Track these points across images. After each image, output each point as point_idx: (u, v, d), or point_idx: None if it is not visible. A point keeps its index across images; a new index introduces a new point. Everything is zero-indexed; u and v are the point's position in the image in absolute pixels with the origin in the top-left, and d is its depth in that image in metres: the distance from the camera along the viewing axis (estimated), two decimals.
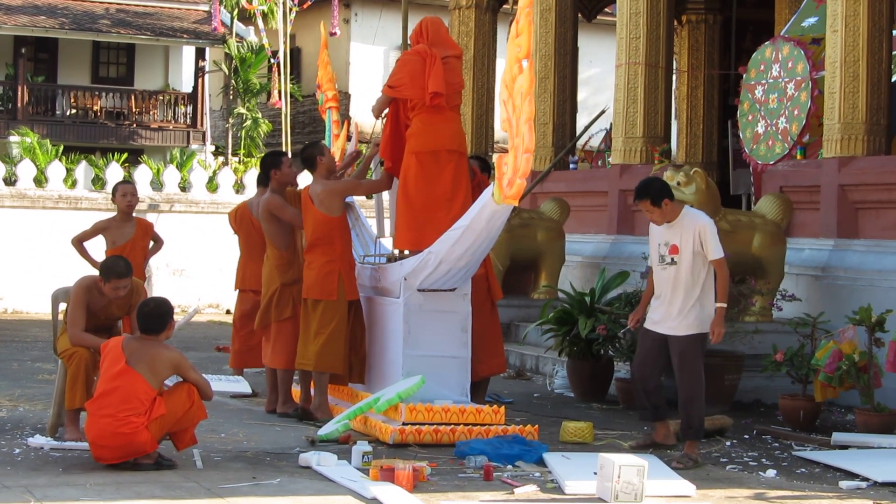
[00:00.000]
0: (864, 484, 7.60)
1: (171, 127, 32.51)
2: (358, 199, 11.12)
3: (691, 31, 17.44)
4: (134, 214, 11.24)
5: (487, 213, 8.27)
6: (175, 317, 7.90)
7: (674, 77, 16.32)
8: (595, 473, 7.15)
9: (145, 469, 7.32)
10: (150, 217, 18.28)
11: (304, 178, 12.07)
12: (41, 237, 18.74)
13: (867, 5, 11.28)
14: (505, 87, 7.71)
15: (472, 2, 17.11)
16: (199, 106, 32.68)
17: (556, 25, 15.73)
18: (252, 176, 20.86)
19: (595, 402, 10.73)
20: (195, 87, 32.85)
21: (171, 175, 20.62)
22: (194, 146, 31.76)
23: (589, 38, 22.84)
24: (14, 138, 28.46)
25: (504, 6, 17.58)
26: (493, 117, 17.15)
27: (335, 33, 28.18)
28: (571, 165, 16.22)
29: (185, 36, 32.16)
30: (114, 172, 20.10)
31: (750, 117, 12.55)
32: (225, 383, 10.70)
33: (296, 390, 9.79)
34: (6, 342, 14.60)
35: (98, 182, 20.93)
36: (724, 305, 8.21)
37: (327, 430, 8.58)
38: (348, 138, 11.24)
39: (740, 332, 10.30)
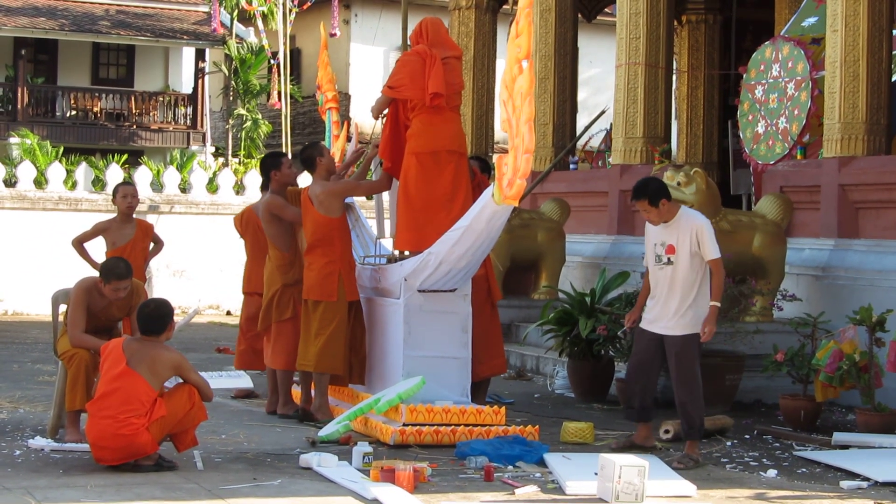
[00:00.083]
0: (864, 484, 7.60)
1: (171, 128, 32.51)
2: (358, 200, 11.12)
3: (691, 32, 17.44)
4: (134, 216, 11.23)
5: (487, 213, 8.27)
6: (175, 318, 7.90)
7: (674, 77, 16.32)
8: (596, 474, 7.15)
9: (146, 470, 7.32)
10: (151, 218, 18.32)
11: (304, 179, 12.06)
12: (41, 239, 18.75)
13: (867, 5, 11.28)
14: (505, 88, 7.71)
15: (471, 2, 17.11)
16: (199, 107, 32.68)
17: (556, 26, 15.73)
18: (252, 177, 20.88)
19: (596, 403, 10.73)
20: (195, 89, 32.85)
21: (172, 176, 20.62)
22: (194, 147, 31.76)
23: (589, 38, 22.85)
24: (14, 140, 28.46)
25: (504, 7, 17.58)
26: (493, 118, 17.15)
27: (335, 34, 28.19)
28: (572, 166, 16.22)
29: (185, 37, 32.16)
30: (114, 174, 20.11)
31: (750, 117, 12.54)
32: (226, 379, 10.70)
33: (296, 391, 9.79)
34: (6, 344, 14.60)
35: (98, 183, 20.94)
36: (718, 304, 8.22)
37: (328, 431, 8.58)
38: (348, 139, 11.24)
39: (741, 332, 10.31)
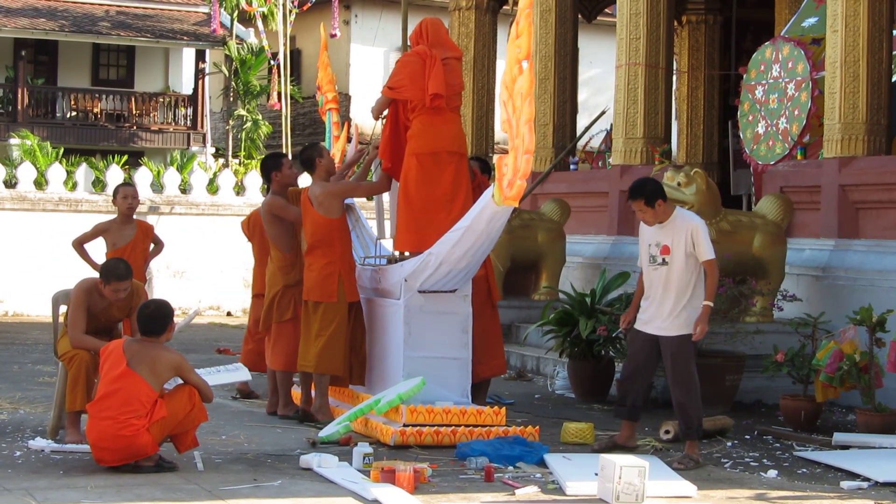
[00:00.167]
0: (865, 484, 7.60)
1: (171, 129, 32.52)
2: (358, 201, 11.12)
3: (691, 32, 17.44)
4: (134, 217, 11.23)
5: (488, 214, 8.27)
6: (175, 319, 7.91)
7: (674, 78, 16.31)
8: (596, 474, 7.15)
9: (146, 471, 7.32)
10: (151, 219, 18.32)
11: (304, 180, 12.06)
12: (41, 239, 18.74)
13: (867, 5, 11.28)
14: (505, 89, 7.71)
15: (472, 3, 17.11)
16: (200, 108, 32.68)
17: (557, 26, 15.73)
18: (252, 178, 20.88)
19: (596, 403, 10.72)
20: (195, 89, 32.86)
21: (172, 177, 20.61)
22: (194, 148, 31.77)
23: (589, 38, 22.84)
24: (14, 141, 28.47)
25: (504, 7, 17.58)
26: (494, 118, 17.15)
27: (335, 35, 28.19)
28: (572, 166, 16.22)
29: (185, 38, 32.17)
30: (114, 175, 20.10)
31: (750, 118, 12.54)
32: (224, 374, 10.64)
33: (296, 392, 9.79)
34: (7, 345, 14.60)
35: (98, 184, 20.94)
36: (711, 304, 8.22)
37: (328, 431, 8.58)
38: (348, 140, 11.24)
39: (741, 333, 10.31)
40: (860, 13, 11.29)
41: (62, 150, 25.93)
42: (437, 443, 8.40)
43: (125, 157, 26.37)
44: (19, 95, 31.17)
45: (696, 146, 17.30)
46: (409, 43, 9.97)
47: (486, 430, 8.47)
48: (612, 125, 15.43)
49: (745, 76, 12.71)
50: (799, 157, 12.15)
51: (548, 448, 8.17)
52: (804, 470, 8.08)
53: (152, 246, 11.35)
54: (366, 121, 21.79)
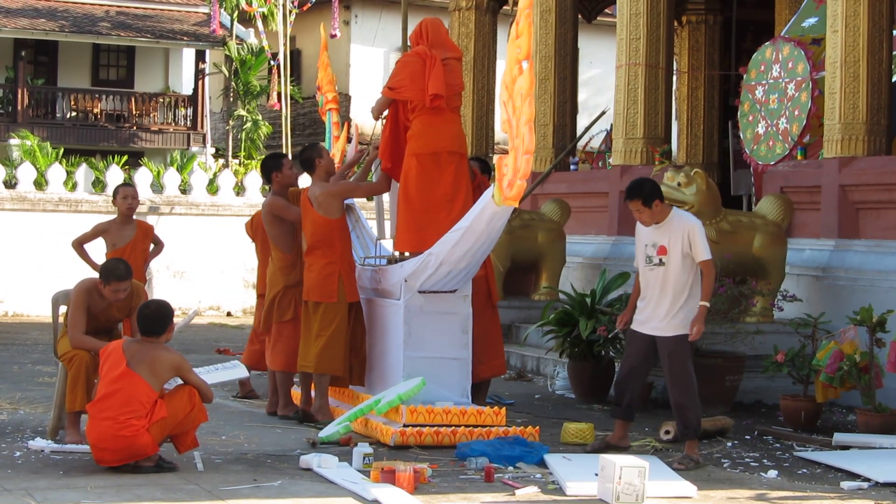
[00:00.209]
0: (865, 484, 7.60)
1: (171, 129, 32.51)
2: (358, 201, 11.12)
3: (691, 32, 17.44)
4: (134, 217, 11.23)
5: (488, 214, 8.26)
6: (174, 319, 7.90)
7: (674, 78, 16.31)
8: (596, 475, 7.15)
9: (146, 471, 7.32)
10: (151, 219, 18.31)
11: (305, 180, 12.06)
12: (41, 240, 18.73)
13: (867, 5, 11.28)
14: (505, 89, 7.71)
15: (472, 3, 17.11)
16: (200, 108, 32.68)
17: (557, 26, 15.73)
18: (252, 178, 20.88)
19: (596, 404, 10.72)
20: (195, 90, 32.86)
21: (172, 177, 20.61)
22: (194, 148, 31.77)
23: (589, 39, 22.85)
24: (14, 141, 28.47)
25: (504, 7, 17.58)
26: (494, 119, 17.15)
27: (335, 35, 28.19)
28: (572, 167, 16.21)
29: (185, 38, 32.17)
30: (114, 175, 20.10)
31: (750, 118, 12.54)
32: (221, 372, 10.63)
33: (296, 392, 9.78)
34: (7, 345, 14.60)
35: (98, 185, 20.94)
36: (707, 305, 8.22)
37: (328, 432, 8.58)
38: (348, 140, 11.24)
39: (741, 333, 10.30)
40: (860, 13, 11.29)
41: (62, 151, 25.93)
42: (438, 443, 8.40)
43: (125, 158, 26.37)
44: (19, 96, 31.17)
45: (697, 146, 17.30)
46: (409, 43, 9.97)
47: (486, 430, 8.47)
48: (612, 125, 15.43)
49: (745, 76, 12.70)
50: (799, 157, 12.15)
51: (548, 448, 8.16)
52: (804, 470, 8.08)
53: (152, 246, 11.34)
54: (366, 121, 21.76)
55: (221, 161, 30.23)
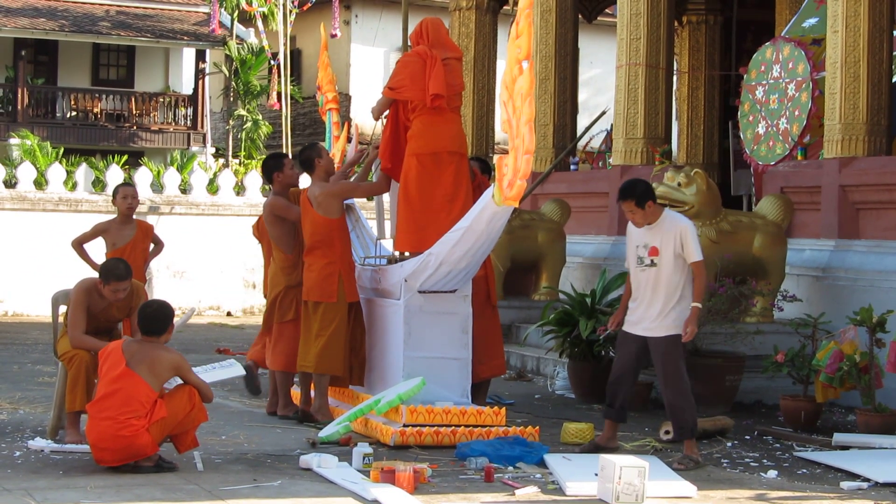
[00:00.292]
0: (865, 484, 7.60)
1: (171, 129, 32.52)
2: (358, 201, 11.11)
3: (692, 32, 17.44)
4: (134, 217, 11.22)
5: (488, 214, 8.26)
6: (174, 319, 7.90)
7: (674, 78, 16.31)
8: (596, 475, 7.15)
9: (146, 471, 7.32)
10: (151, 219, 18.30)
11: (306, 180, 12.06)
12: (41, 239, 18.73)
13: (868, 6, 11.27)
14: (505, 89, 7.71)
15: (472, 3, 17.11)
16: (200, 108, 32.68)
17: (557, 26, 15.73)
18: (252, 178, 20.89)
19: (596, 404, 10.70)
20: (195, 89, 32.86)
21: (172, 177, 20.61)
22: (195, 148, 31.77)
23: (589, 39, 22.85)
24: (14, 141, 28.47)
25: (504, 7, 17.58)
26: (494, 119, 17.15)
27: (335, 35, 28.18)
28: (572, 167, 16.21)
29: (185, 38, 32.17)
30: (114, 175, 20.10)
31: (751, 118, 12.54)
32: (219, 370, 10.62)
33: (296, 392, 9.78)
34: (7, 345, 14.60)
35: (98, 184, 20.94)
36: (699, 306, 8.22)
37: (328, 431, 8.57)
38: (349, 140, 11.24)
39: (741, 333, 10.31)
40: (861, 13, 11.29)
41: (62, 150, 25.93)
42: (437, 443, 8.39)
43: (125, 157, 26.37)
44: (19, 95, 31.17)
45: (697, 146, 17.30)
46: (409, 43, 9.97)
47: (486, 430, 8.47)
48: (612, 125, 15.43)
49: (745, 77, 12.70)
50: (799, 157, 12.14)
51: (548, 448, 8.16)
52: (804, 470, 8.08)
53: (152, 246, 11.34)
54: (366, 121, 21.74)
55: (221, 161, 30.24)
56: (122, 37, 31.66)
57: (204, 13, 32.53)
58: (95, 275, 8.56)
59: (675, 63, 16.56)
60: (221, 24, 30.21)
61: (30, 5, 31.74)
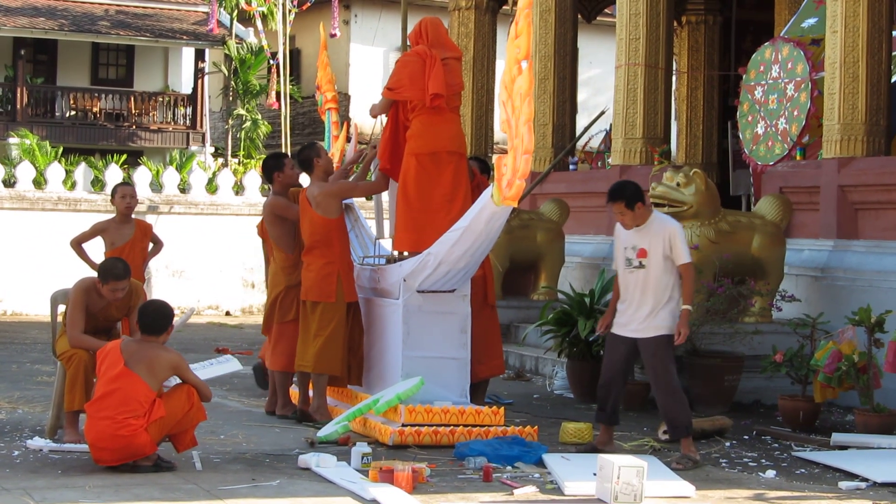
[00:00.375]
0: (863, 484, 7.60)
1: (170, 128, 32.51)
2: (357, 201, 11.12)
3: (691, 32, 17.44)
4: (133, 216, 11.22)
5: (487, 214, 8.26)
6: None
7: (673, 78, 16.31)
8: (594, 474, 7.14)
9: (144, 471, 7.32)
10: (150, 219, 18.29)
11: (305, 180, 12.06)
12: (40, 239, 18.74)
13: (867, 6, 11.28)
14: (504, 89, 7.71)
15: (471, 3, 17.12)
16: (199, 107, 32.67)
17: (556, 26, 15.73)
18: (251, 177, 20.90)
19: (595, 403, 10.69)
20: (195, 89, 32.85)
21: (171, 177, 20.61)
22: (194, 148, 31.75)
23: (588, 38, 22.83)
24: (13, 140, 28.46)
25: (503, 7, 17.58)
26: (493, 118, 17.15)
27: (335, 34, 28.18)
28: (571, 166, 16.22)
29: (184, 37, 32.15)
30: (113, 174, 20.10)
31: (749, 118, 12.54)
32: (216, 367, 10.62)
33: (295, 392, 9.78)
34: (5, 344, 14.60)
35: (97, 184, 20.94)
36: (690, 308, 8.22)
37: (326, 431, 8.57)
38: (348, 140, 11.24)
39: (740, 333, 10.31)
40: (860, 14, 11.29)
41: (61, 150, 25.91)
42: (436, 443, 8.40)
43: (124, 157, 26.36)
44: (18, 94, 31.16)
45: (696, 146, 17.30)
46: (408, 43, 9.96)
47: (484, 429, 8.47)
48: (611, 125, 15.44)
49: (744, 77, 12.70)
50: (798, 157, 12.15)
51: (546, 448, 8.16)
52: (802, 470, 8.08)
53: (151, 245, 11.34)
54: (365, 121, 21.72)
55: (220, 160, 30.23)
56: (122, 36, 31.65)
57: (203, 13, 32.52)
58: (94, 274, 8.56)
59: (674, 63, 16.57)
60: (221, 24, 30.20)
61: (29, 4, 31.74)
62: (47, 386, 10.19)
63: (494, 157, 9.05)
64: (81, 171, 20.67)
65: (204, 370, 8.44)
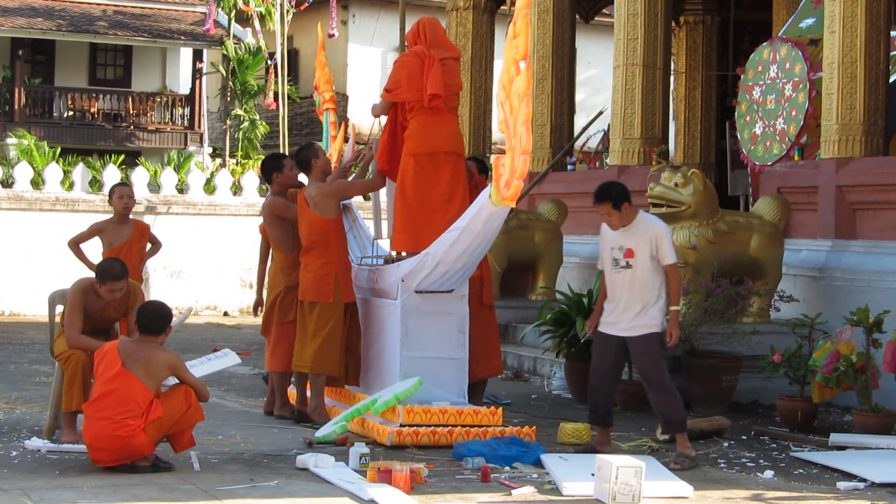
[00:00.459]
0: (861, 485, 7.60)
1: (168, 129, 32.50)
2: (356, 201, 11.12)
3: (689, 32, 17.45)
4: (131, 216, 11.21)
5: (485, 214, 8.26)
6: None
7: (671, 78, 16.31)
8: (593, 475, 7.14)
9: (142, 471, 7.31)
10: (148, 219, 18.28)
11: (304, 180, 12.06)
12: (38, 239, 18.72)
13: (865, 6, 11.28)
14: (502, 89, 7.70)
15: (469, 3, 17.11)
16: (197, 108, 32.67)
17: (554, 26, 15.73)
18: (249, 177, 20.89)
19: None
20: (192, 89, 32.85)
21: (169, 177, 20.60)
22: (192, 148, 31.75)
23: (587, 39, 22.86)
24: (11, 140, 28.45)
25: (502, 7, 17.59)
26: (491, 119, 17.16)
27: (333, 35, 28.14)
28: (569, 167, 16.22)
29: (182, 37, 32.16)
30: (111, 174, 20.09)
31: (748, 118, 12.54)
32: (214, 362, 10.61)
33: (293, 392, 9.77)
34: (3, 344, 14.59)
35: (95, 184, 20.93)
36: (678, 309, 8.24)
37: (325, 431, 8.57)
38: (346, 140, 11.23)
39: (738, 333, 10.31)
40: (858, 14, 11.29)
41: (59, 150, 25.91)
42: (434, 443, 8.39)
43: (122, 157, 26.35)
44: (16, 95, 31.16)
45: (694, 147, 17.31)
46: (405, 43, 9.95)
47: (482, 430, 8.46)
48: (609, 125, 15.43)
49: (742, 77, 12.70)
50: (796, 157, 12.15)
51: (544, 448, 8.16)
52: (801, 470, 8.08)
53: (150, 245, 11.33)
54: (363, 121, 21.72)
55: (218, 160, 30.23)
56: (120, 36, 31.65)
57: (201, 13, 32.52)
58: (92, 275, 8.56)
59: (672, 63, 16.58)
60: (218, 24, 30.18)
61: (27, 5, 31.73)
62: (45, 386, 10.18)
63: (492, 158, 9.05)
64: (79, 172, 20.65)
65: (203, 366, 8.44)
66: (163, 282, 19.41)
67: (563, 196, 14.65)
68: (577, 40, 16.36)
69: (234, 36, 31.25)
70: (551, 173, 15.16)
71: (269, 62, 29.80)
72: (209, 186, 20.95)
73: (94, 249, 11.03)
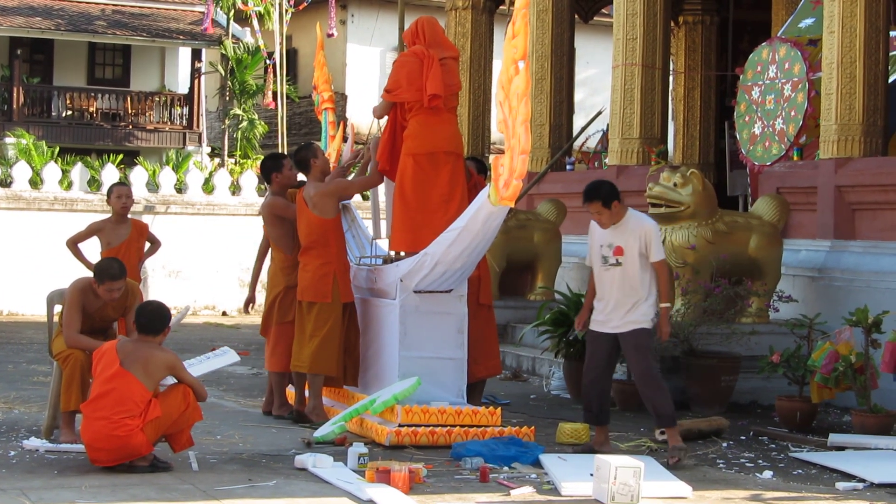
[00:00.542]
0: (860, 485, 7.60)
1: (167, 128, 32.49)
2: (355, 201, 11.11)
3: (688, 33, 17.45)
4: (129, 216, 11.20)
5: (484, 214, 8.26)
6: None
7: (671, 78, 16.31)
8: (591, 475, 7.14)
9: (141, 471, 7.31)
10: (146, 219, 18.27)
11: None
12: (36, 239, 18.72)
13: (864, 6, 11.28)
14: (501, 89, 7.70)
15: (468, 3, 17.11)
16: (196, 107, 32.66)
17: (553, 26, 15.73)
18: (248, 177, 20.89)
19: None
20: (191, 89, 32.83)
21: (167, 177, 20.60)
22: (190, 147, 31.74)
23: (586, 38, 22.87)
24: (10, 140, 28.43)
25: (500, 7, 17.58)
26: (490, 118, 17.16)
27: (332, 34, 28.12)
28: (568, 167, 16.22)
29: (181, 37, 32.14)
30: (109, 174, 20.07)
31: (747, 118, 12.54)
32: (213, 360, 10.60)
33: (291, 392, 9.76)
34: (1, 344, 14.58)
35: (94, 184, 20.92)
36: (669, 306, 8.28)
37: (323, 431, 8.56)
38: (345, 139, 11.23)
39: (737, 334, 10.31)
40: (857, 14, 11.29)
41: (57, 150, 25.90)
42: (433, 443, 8.39)
43: (121, 157, 26.32)
44: (15, 94, 31.14)
45: (693, 147, 17.30)
46: (404, 42, 9.95)
47: (481, 430, 8.46)
48: (608, 125, 15.43)
49: (741, 77, 12.70)
50: (795, 158, 12.15)
51: (543, 448, 8.16)
52: (799, 471, 8.08)
53: (149, 245, 11.33)
54: (362, 120, 21.73)
55: (217, 160, 30.21)
56: (118, 36, 31.63)
57: (200, 12, 32.49)
58: (90, 274, 8.55)
59: (671, 63, 16.57)
60: (217, 24, 30.17)
61: (26, 4, 31.71)
62: (43, 386, 10.18)
63: (491, 157, 9.04)
64: (78, 171, 20.64)
65: (202, 364, 8.44)
66: (161, 281, 19.40)
67: (561, 196, 14.64)
68: (576, 40, 16.36)
69: (233, 35, 31.23)
70: (550, 173, 15.16)
71: (268, 62, 29.80)
72: (208, 186, 20.94)
73: (93, 249, 11.02)
